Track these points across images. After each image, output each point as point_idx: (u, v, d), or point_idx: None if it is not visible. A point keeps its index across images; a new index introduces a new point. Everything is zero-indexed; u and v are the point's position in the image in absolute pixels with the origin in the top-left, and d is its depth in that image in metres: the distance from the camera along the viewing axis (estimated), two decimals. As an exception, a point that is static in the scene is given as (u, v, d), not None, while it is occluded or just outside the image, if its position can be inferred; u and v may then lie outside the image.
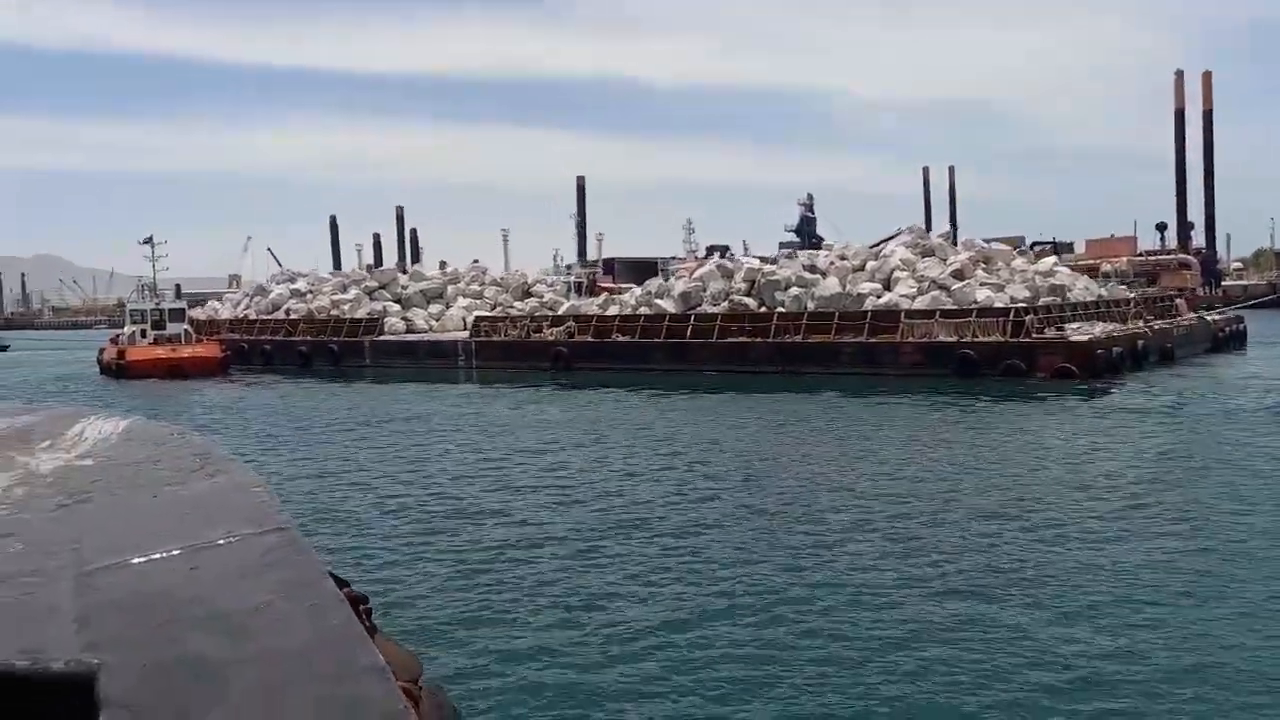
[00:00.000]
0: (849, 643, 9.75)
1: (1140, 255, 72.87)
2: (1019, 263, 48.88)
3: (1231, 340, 49.93)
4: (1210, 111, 73.01)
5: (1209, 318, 48.15)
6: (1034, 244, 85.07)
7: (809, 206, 71.96)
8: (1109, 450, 21.57)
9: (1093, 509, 15.41)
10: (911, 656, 9.30)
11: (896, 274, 44.90)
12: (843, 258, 48.18)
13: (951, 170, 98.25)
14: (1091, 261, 74.30)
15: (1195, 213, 74.37)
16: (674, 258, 59.72)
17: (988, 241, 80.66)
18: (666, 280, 53.61)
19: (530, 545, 13.90)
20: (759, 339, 43.64)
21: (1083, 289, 48.12)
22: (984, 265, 46.33)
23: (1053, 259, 53.84)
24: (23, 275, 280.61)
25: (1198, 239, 74.32)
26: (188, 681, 1.04)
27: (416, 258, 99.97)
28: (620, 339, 47.85)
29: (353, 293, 63.79)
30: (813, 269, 47.19)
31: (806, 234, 68.86)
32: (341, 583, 2.14)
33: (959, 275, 43.23)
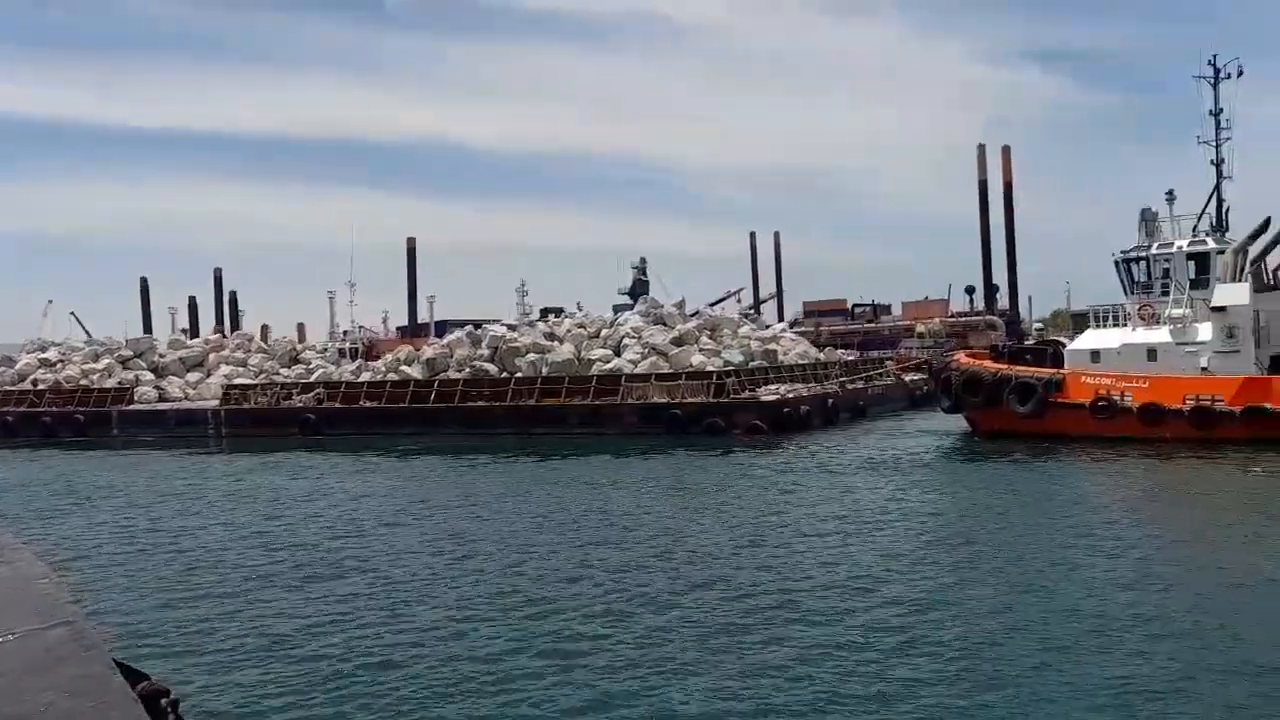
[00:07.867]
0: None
1: (952, 316, 78.39)
2: (745, 330, 53.56)
3: (928, 398, 55.82)
4: (1010, 183, 78.50)
5: (907, 379, 54.03)
6: (855, 305, 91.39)
7: (642, 270, 75.50)
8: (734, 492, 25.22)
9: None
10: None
11: (626, 341, 48.53)
12: (580, 326, 51.53)
13: (777, 235, 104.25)
14: (908, 322, 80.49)
15: (1000, 277, 79.62)
16: (500, 321, 60.97)
17: (810, 304, 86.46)
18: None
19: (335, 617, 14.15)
20: (497, 403, 46.13)
21: (799, 354, 53.17)
22: (710, 333, 50.69)
23: (781, 325, 59.09)
24: None
25: (1003, 301, 79.68)
26: None
27: (236, 321, 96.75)
28: (368, 404, 49.32)
29: (104, 362, 62.26)
30: (551, 336, 50.27)
31: (639, 296, 71.86)
32: (140, 675, 2.16)
33: (679, 342, 47.25)
